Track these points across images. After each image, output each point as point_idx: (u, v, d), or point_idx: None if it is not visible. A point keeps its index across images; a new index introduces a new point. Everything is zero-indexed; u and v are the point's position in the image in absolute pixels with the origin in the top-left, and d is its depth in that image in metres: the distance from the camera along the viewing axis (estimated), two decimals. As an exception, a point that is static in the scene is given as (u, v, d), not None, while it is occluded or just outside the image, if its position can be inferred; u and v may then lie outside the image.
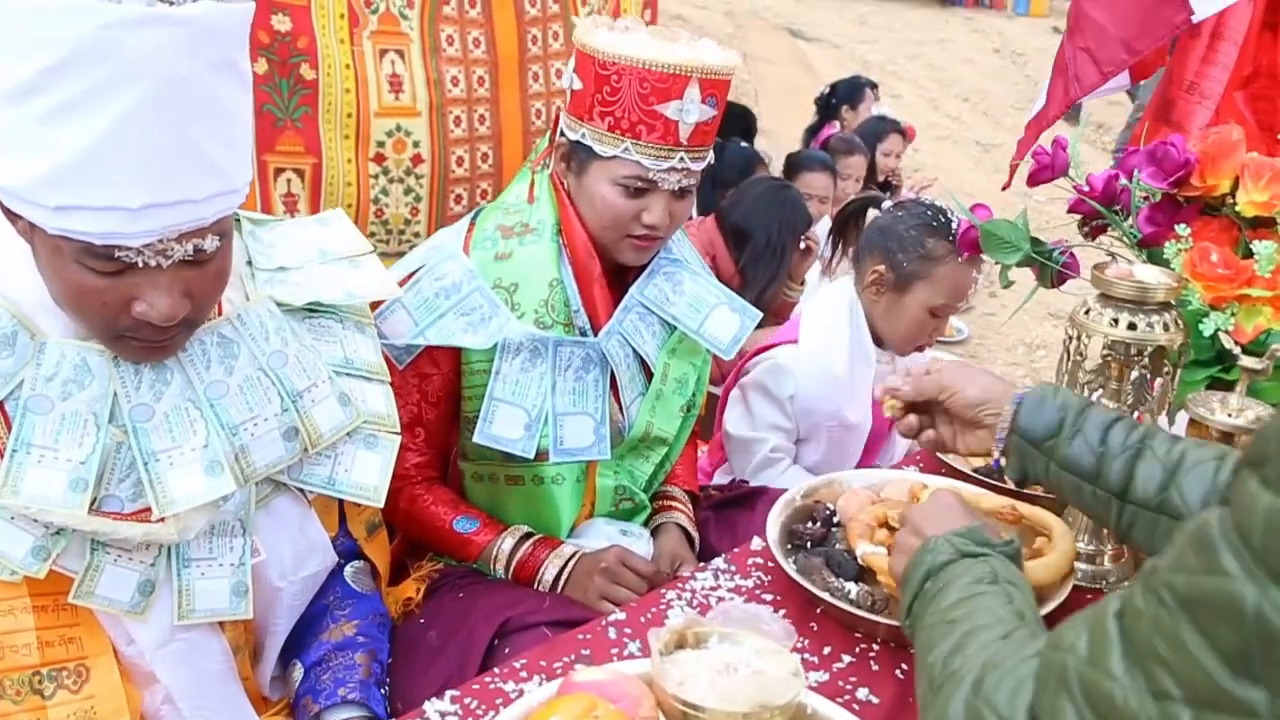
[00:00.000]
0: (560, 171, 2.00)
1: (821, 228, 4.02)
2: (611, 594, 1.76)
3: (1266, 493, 0.65)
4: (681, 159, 1.85)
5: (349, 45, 2.92)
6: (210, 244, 1.31)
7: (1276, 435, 0.67)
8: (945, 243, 2.40)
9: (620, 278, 2.03)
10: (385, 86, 3.05)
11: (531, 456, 1.86)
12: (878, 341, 2.50)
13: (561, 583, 1.84)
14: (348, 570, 1.69)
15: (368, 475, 1.59)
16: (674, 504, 2.09)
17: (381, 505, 1.62)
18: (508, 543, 1.89)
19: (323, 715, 1.50)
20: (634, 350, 1.98)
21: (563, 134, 1.97)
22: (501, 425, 1.85)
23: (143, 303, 1.28)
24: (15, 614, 1.35)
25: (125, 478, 1.37)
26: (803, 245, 3.77)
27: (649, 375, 2.03)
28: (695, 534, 2.06)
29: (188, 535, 1.41)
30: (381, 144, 3.07)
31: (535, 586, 1.86)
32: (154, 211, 1.22)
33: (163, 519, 1.38)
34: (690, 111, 1.81)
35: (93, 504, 1.34)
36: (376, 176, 3.10)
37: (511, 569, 1.87)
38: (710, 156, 1.95)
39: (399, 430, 1.67)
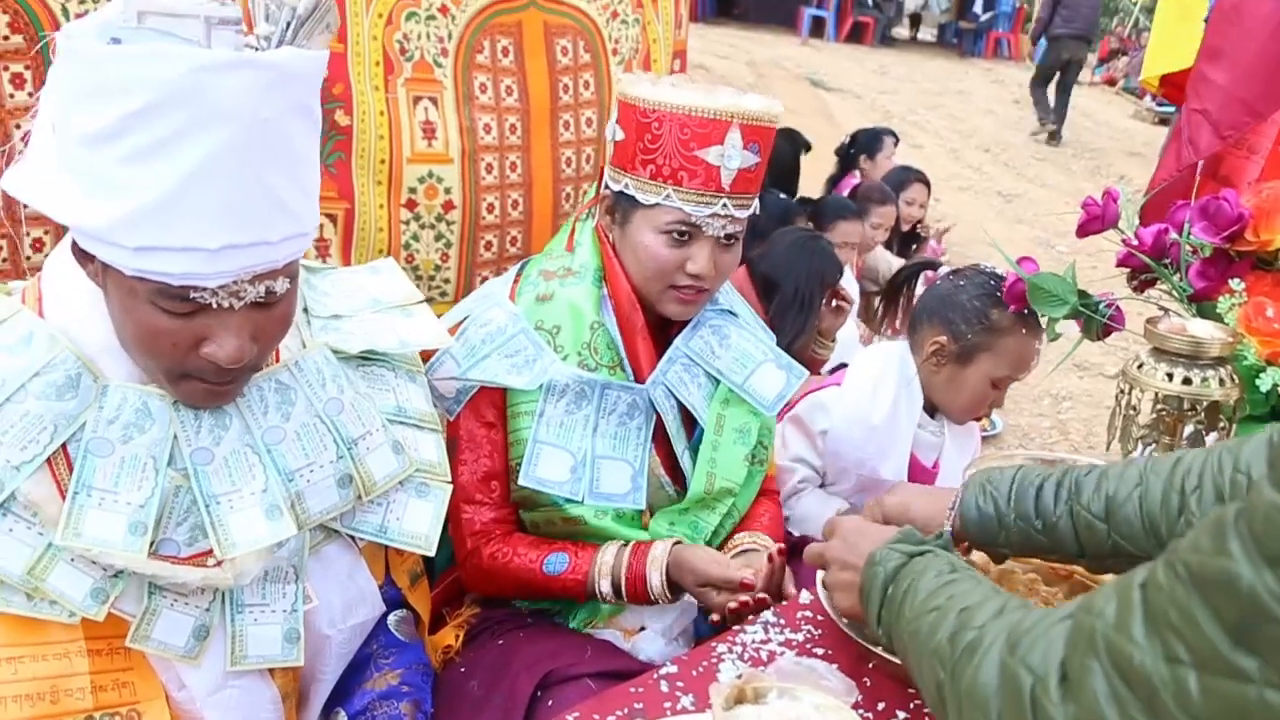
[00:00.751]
0: (605, 224, 1.99)
1: (849, 279, 4.01)
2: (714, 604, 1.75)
3: (1271, 490, 0.74)
4: (724, 205, 1.82)
5: (383, 92, 2.94)
6: (281, 286, 1.32)
7: None
8: (1009, 314, 2.33)
9: (664, 331, 2.00)
10: (419, 133, 3.06)
11: (579, 499, 1.83)
12: (932, 410, 2.48)
13: (665, 584, 1.80)
14: (391, 619, 1.68)
15: (419, 524, 1.60)
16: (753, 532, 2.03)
17: (432, 554, 1.62)
18: (607, 563, 1.83)
19: None
20: (679, 401, 1.95)
21: (607, 186, 1.96)
22: (546, 468, 1.82)
23: (212, 344, 1.29)
24: (70, 657, 1.34)
25: (183, 521, 1.37)
26: (834, 304, 3.75)
27: (691, 429, 1.99)
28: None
29: (244, 580, 1.41)
30: (413, 190, 3.08)
31: (648, 595, 1.81)
32: (231, 253, 1.23)
33: (219, 563, 1.37)
34: (732, 157, 1.79)
35: (150, 547, 1.34)
36: (408, 222, 3.11)
37: (619, 587, 1.82)
38: (755, 206, 1.92)
39: (450, 479, 1.66)
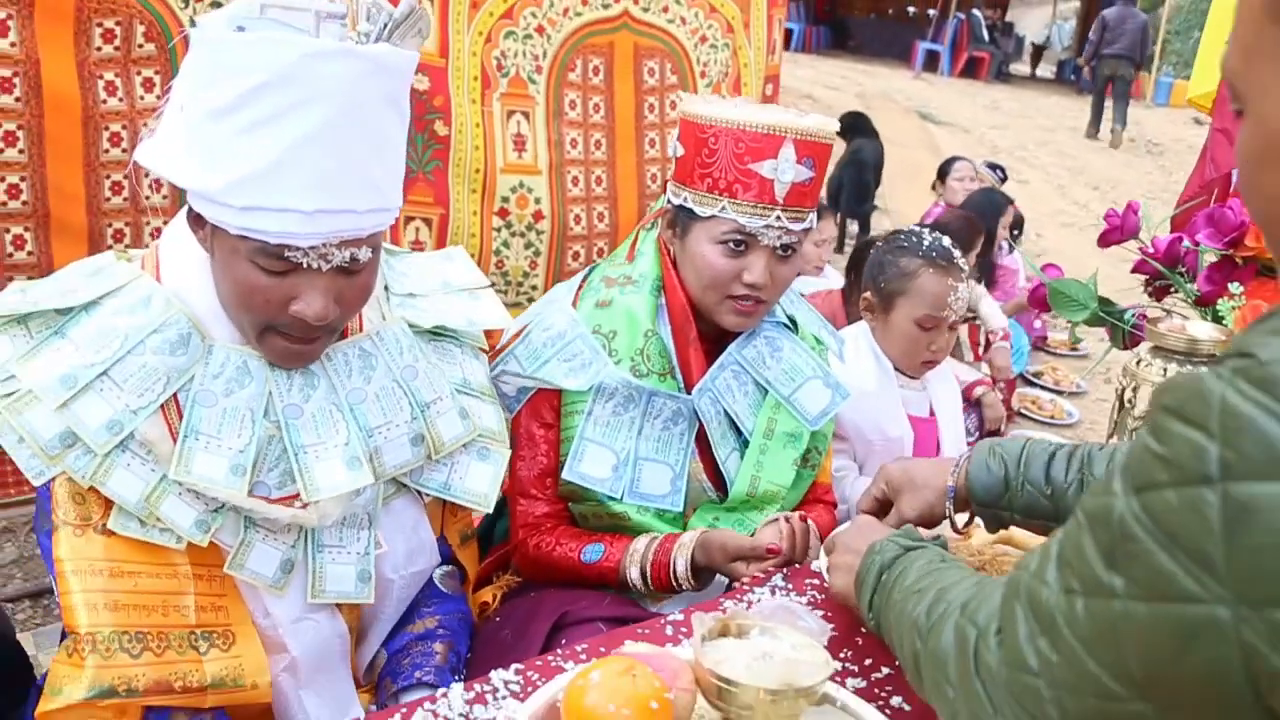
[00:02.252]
0: (667, 237, 2.03)
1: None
2: (737, 572, 1.82)
3: (1143, 432, 0.83)
4: (778, 217, 1.85)
5: (480, 105, 3.15)
6: (364, 255, 1.48)
7: (1158, 391, 0.84)
8: (916, 258, 2.52)
9: (719, 343, 2.05)
10: (510, 145, 3.27)
11: (619, 496, 1.91)
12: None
13: (690, 570, 1.85)
14: (437, 573, 1.82)
15: (480, 483, 1.75)
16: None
17: (490, 511, 1.76)
18: (638, 550, 1.91)
19: (399, 695, 1.64)
20: (724, 409, 2.01)
21: (669, 200, 2.02)
22: (590, 464, 1.91)
23: (300, 301, 1.45)
24: (179, 578, 1.52)
25: (275, 467, 1.53)
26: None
27: (739, 433, 2.04)
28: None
29: (326, 522, 1.58)
30: (506, 199, 3.28)
31: (672, 582, 1.87)
32: (322, 217, 1.40)
33: (305, 506, 1.54)
34: (785, 170, 1.83)
35: (247, 487, 1.51)
36: (499, 229, 3.31)
37: (646, 575, 1.89)
38: (812, 220, 1.96)
39: (509, 444, 1.82)
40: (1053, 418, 5.20)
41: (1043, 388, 5.63)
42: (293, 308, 1.45)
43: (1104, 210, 7.02)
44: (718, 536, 1.86)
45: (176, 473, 1.46)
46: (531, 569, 2.01)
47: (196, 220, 1.48)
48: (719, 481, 2.03)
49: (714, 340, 2.02)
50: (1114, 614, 0.82)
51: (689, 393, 1.97)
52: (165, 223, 2.61)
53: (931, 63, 18.75)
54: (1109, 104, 14.35)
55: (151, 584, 1.49)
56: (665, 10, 3.56)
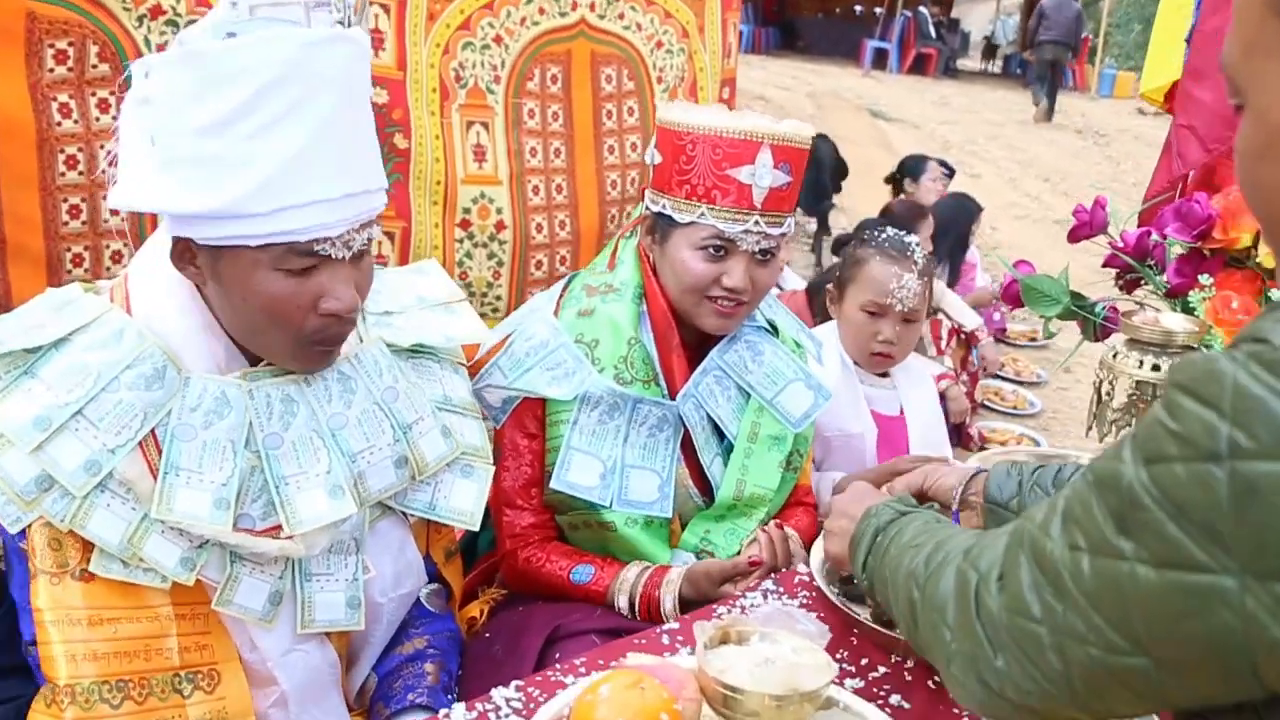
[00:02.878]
0: (646, 244, 2.06)
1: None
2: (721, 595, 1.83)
3: (1156, 406, 0.88)
4: (756, 222, 1.87)
5: (439, 117, 3.13)
6: (376, 234, 1.52)
7: (1173, 370, 0.89)
8: (869, 248, 2.57)
9: (700, 349, 2.07)
10: (470, 156, 3.25)
11: (608, 504, 1.91)
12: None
13: (678, 609, 1.86)
14: (423, 592, 1.82)
15: (465, 501, 1.75)
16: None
17: (476, 528, 1.76)
18: (628, 580, 1.91)
19: (393, 718, 1.63)
20: (708, 414, 2.02)
21: (647, 208, 2.04)
22: (578, 473, 1.91)
23: (330, 298, 1.46)
24: (161, 620, 1.50)
25: (258, 498, 1.52)
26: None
27: (722, 437, 2.06)
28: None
29: (314, 551, 1.57)
30: (467, 210, 3.26)
31: (661, 617, 1.86)
32: (348, 201, 1.43)
33: (291, 536, 1.53)
34: (763, 176, 1.85)
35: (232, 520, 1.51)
36: (462, 241, 3.29)
37: (634, 605, 1.89)
38: (790, 225, 1.98)
39: (493, 461, 1.81)
40: (1015, 408, 5.27)
41: (1004, 379, 5.69)
42: (324, 305, 1.46)
43: (1055, 202, 7.14)
44: (701, 567, 1.88)
45: (158, 511, 1.44)
46: (519, 582, 2.01)
47: (183, 255, 1.45)
48: (705, 487, 2.04)
49: (696, 346, 2.04)
50: (1121, 575, 0.87)
51: (673, 399, 1.98)
52: (126, 245, 2.57)
53: (880, 60, 18.89)
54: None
55: (132, 629, 1.47)
56: (621, 17, 3.56)
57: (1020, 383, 5.68)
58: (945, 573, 1.12)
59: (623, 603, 1.90)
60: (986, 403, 5.23)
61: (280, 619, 1.57)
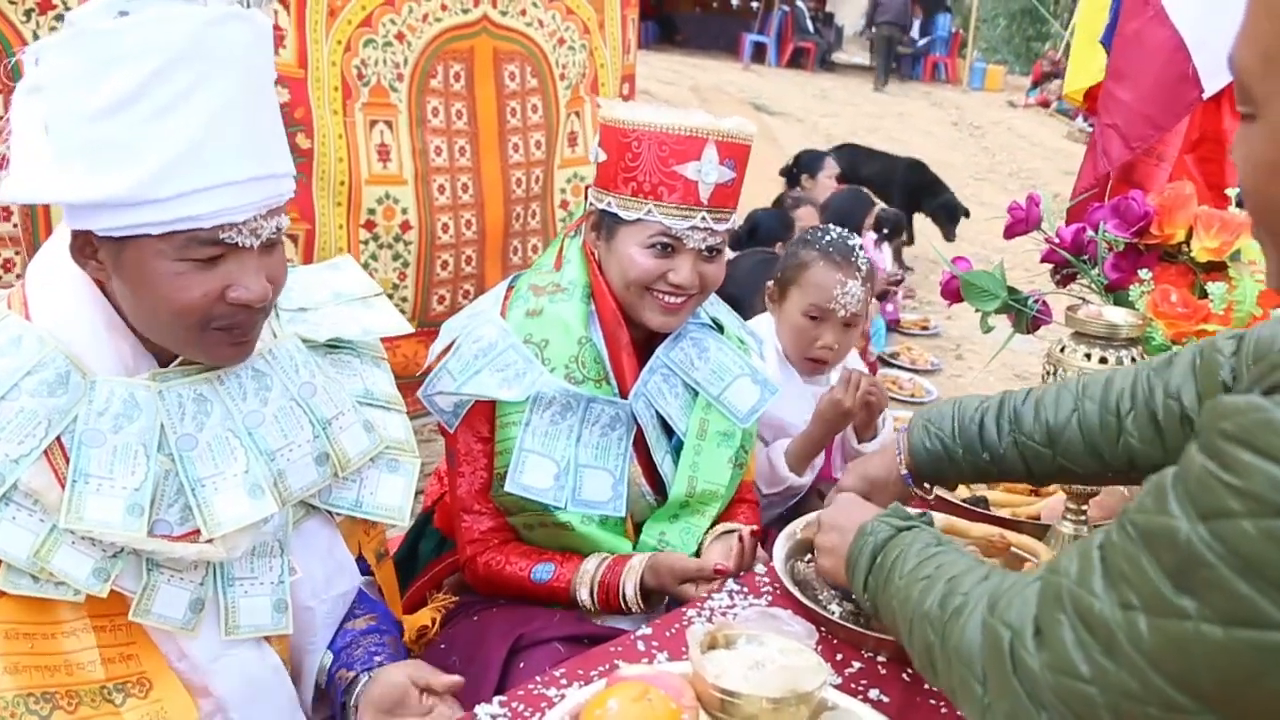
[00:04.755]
0: (591, 241, 2.03)
1: None
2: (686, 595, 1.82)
3: (1200, 456, 0.85)
4: (703, 218, 1.88)
5: (342, 116, 3.05)
6: (284, 222, 1.43)
7: (1209, 412, 0.87)
8: (813, 251, 2.55)
9: (649, 347, 2.05)
10: (374, 155, 3.17)
11: (562, 505, 1.90)
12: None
13: (639, 596, 1.86)
14: (361, 581, 1.76)
15: (392, 497, 1.68)
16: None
17: (405, 525, 1.70)
18: (588, 571, 1.91)
19: (360, 678, 1.57)
20: (658, 411, 2.01)
21: (592, 204, 2.02)
22: (531, 475, 1.89)
23: (238, 287, 1.38)
24: (78, 634, 1.41)
25: (174, 503, 1.44)
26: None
27: (670, 434, 2.05)
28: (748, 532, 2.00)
29: (235, 554, 1.48)
30: (372, 211, 3.19)
31: (621, 605, 1.87)
32: (254, 185, 1.35)
33: (210, 539, 1.46)
34: (709, 172, 1.86)
35: (147, 526, 1.42)
36: (366, 242, 3.21)
37: (594, 595, 1.89)
38: (735, 220, 1.99)
39: (418, 454, 1.75)
40: (913, 395, 5.37)
41: (901, 368, 5.80)
42: (231, 295, 1.37)
43: (940, 192, 7.17)
44: (666, 560, 1.86)
45: (67, 521, 1.35)
46: (483, 585, 1.98)
47: (82, 249, 1.37)
48: (657, 485, 2.03)
49: (643, 344, 2.02)
50: (1186, 634, 0.84)
51: (624, 398, 1.96)
52: (17, 253, 2.44)
53: (759, 54, 19.07)
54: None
55: (48, 645, 1.38)
56: (523, 14, 3.51)
57: (916, 371, 5.79)
58: (969, 623, 1.10)
59: (584, 595, 1.89)
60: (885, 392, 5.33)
61: (204, 626, 1.49)
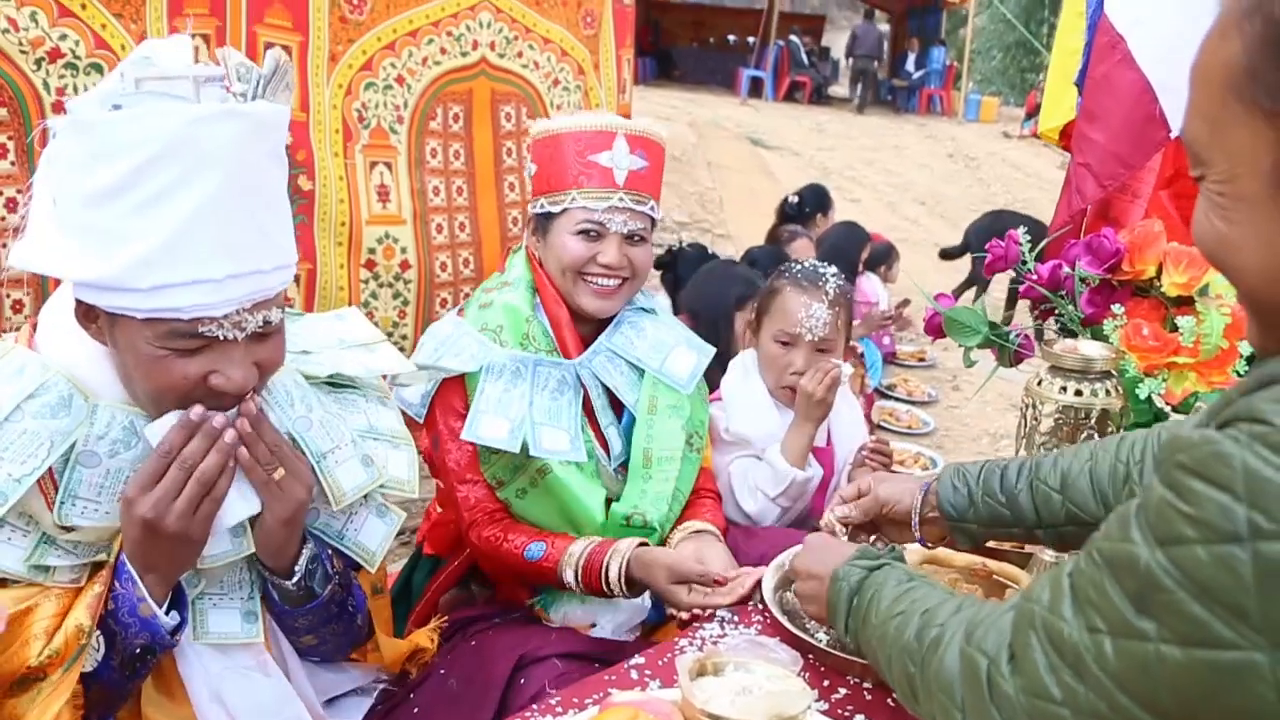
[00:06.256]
0: (531, 243, 2.22)
1: None
2: (693, 603, 1.85)
3: (1159, 487, 0.90)
4: (621, 199, 2.07)
5: (343, 158, 3.12)
6: (275, 316, 1.47)
7: (1168, 446, 0.92)
8: (782, 279, 2.64)
9: (593, 336, 2.20)
10: (374, 196, 3.25)
11: (517, 450, 1.99)
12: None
13: (623, 577, 1.92)
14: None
15: (371, 541, 1.73)
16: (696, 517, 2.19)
17: (373, 571, 1.75)
18: (574, 554, 1.98)
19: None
20: (604, 385, 2.16)
21: (531, 213, 2.22)
22: (487, 429, 2.00)
23: (219, 375, 1.42)
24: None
25: None
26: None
27: (619, 412, 2.19)
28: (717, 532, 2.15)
29: (211, 578, 1.58)
30: (373, 251, 3.26)
31: (603, 585, 1.94)
32: (233, 282, 1.38)
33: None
34: (621, 159, 2.09)
35: None
36: (367, 281, 3.28)
37: (579, 576, 1.96)
38: (657, 210, 2.17)
39: (419, 493, 1.80)
40: (910, 428, 5.39)
41: (898, 400, 5.83)
42: (212, 380, 1.42)
43: (933, 224, 7.30)
44: (662, 557, 1.91)
45: (54, 528, 1.42)
46: (484, 560, 2.11)
47: (86, 314, 1.43)
48: (606, 448, 2.17)
49: (588, 337, 2.19)
50: (1147, 655, 0.89)
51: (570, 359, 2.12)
52: (27, 293, 2.50)
53: (755, 89, 19.22)
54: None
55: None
56: (520, 56, 3.59)
57: (913, 402, 5.83)
58: (946, 653, 1.15)
59: (569, 576, 1.96)
60: (883, 424, 5.35)
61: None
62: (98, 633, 1.43)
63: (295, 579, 1.60)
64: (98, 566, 1.49)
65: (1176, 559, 0.87)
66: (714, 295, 3.88)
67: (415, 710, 1.82)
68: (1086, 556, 0.98)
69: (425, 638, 1.91)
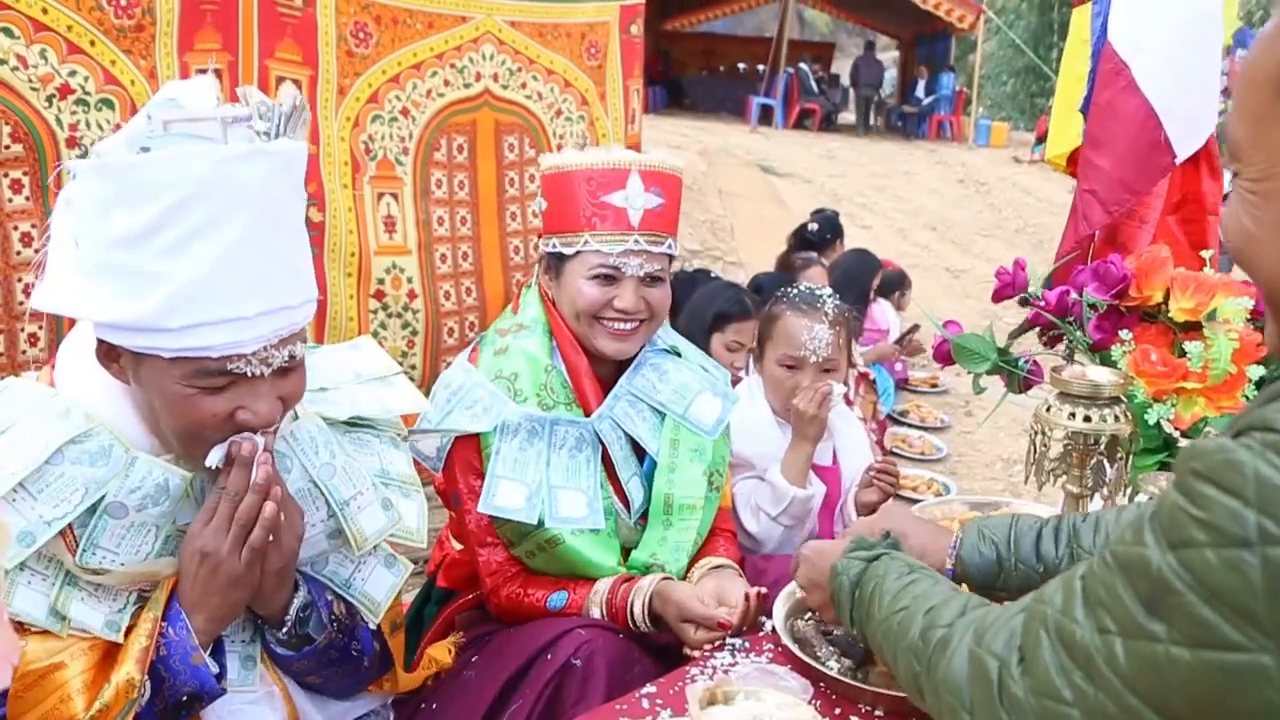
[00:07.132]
0: (544, 283, 2.16)
1: None
2: (699, 640, 1.86)
3: (1173, 492, 0.92)
4: (636, 241, 2.00)
5: (351, 189, 3.14)
6: (299, 350, 1.49)
7: (1184, 454, 0.94)
8: (782, 304, 2.66)
9: (613, 380, 2.15)
10: (381, 227, 3.26)
11: (535, 523, 1.97)
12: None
13: (647, 614, 1.92)
14: None
15: (377, 590, 1.74)
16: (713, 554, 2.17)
17: (375, 623, 1.75)
18: (599, 592, 1.98)
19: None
20: (626, 434, 2.11)
21: (541, 251, 2.16)
22: (504, 498, 1.96)
23: (246, 410, 1.44)
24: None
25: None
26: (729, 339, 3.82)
27: (640, 457, 2.15)
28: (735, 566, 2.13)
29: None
30: (381, 281, 3.27)
31: (628, 624, 1.94)
32: (263, 319, 1.40)
33: None
34: (636, 199, 1.99)
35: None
36: (376, 312, 3.29)
37: (604, 609, 1.96)
38: (674, 247, 2.10)
39: (427, 544, 1.82)
40: (923, 454, 5.37)
41: (910, 425, 5.81)
42: (239, 416, 1.44)
43: (944, 250, 7.29)
44: (673, 594, 1.92)
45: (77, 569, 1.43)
46: (506, 616, 2.07)
47: (108, 354, 1.43)
48: (626, 503, 2.12)
49: (608, 378, 2.13)
50: (1157, 656, 0.91)
51: (588, 417, 2.06)
52: (41, 327, 2.51)
53: (765, 116, 19.27)
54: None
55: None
56: (524, 87, 3.62)
57: (926, 428, 5.80)
58: (955, 654, 1.15)
59: (596, 614, 1.97)
60: (896, 450, 5.33)
61: None
62: (145, 679, 1.44)
63: (286, 627, 1.60)
64: (137, 618, 1.50)
65: (1187, 562, 0.89)
66: (693, 314, 3.88)
67: (435, 706, 1.85)
68: (1100, 559, 0.99)
69: (443, 650, 1.91)
